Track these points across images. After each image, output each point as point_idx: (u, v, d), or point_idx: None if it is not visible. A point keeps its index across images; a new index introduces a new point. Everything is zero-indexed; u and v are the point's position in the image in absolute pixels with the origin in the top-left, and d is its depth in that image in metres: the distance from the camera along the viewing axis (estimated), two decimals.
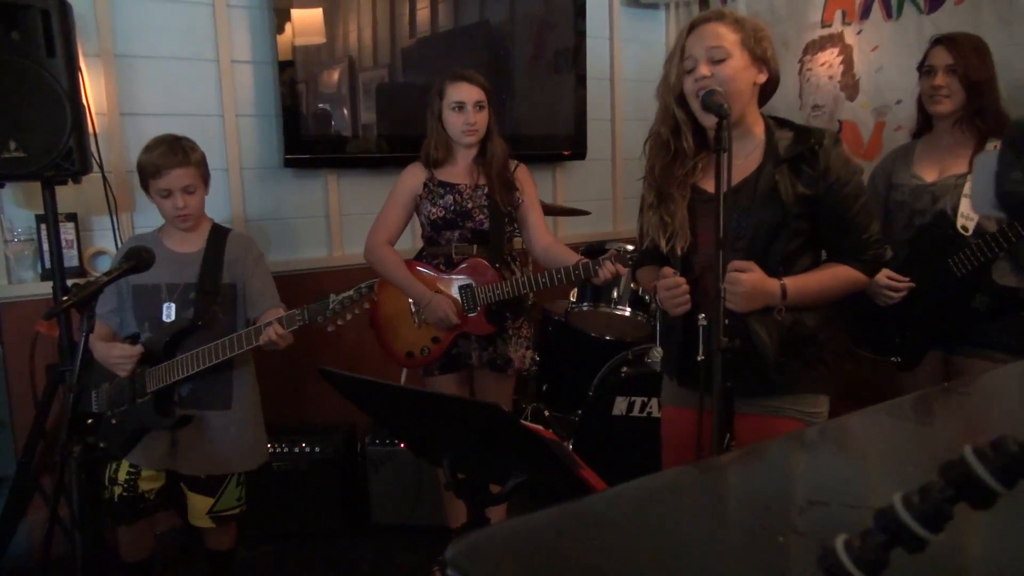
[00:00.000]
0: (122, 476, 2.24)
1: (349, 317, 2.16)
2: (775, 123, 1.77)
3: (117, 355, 2.15)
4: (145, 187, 2.22)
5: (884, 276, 2.32)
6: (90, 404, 2.24)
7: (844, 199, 1.69)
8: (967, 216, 2.22)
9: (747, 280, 1.62)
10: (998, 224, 2.15)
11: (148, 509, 2.28)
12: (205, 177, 2.26)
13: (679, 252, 1.75)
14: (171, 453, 2.23)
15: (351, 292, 2.13)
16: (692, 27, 1.70)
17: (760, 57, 1.70)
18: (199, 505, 2.30)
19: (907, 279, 2.30)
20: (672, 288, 1.71)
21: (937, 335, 2.35)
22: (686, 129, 1.74)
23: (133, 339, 2.22)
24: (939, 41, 2.32)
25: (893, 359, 2.43)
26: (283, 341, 2.13)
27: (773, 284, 1.66)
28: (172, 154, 2.15)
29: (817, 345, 1.75)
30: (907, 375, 2.41)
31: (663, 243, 1.76)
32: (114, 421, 2.20)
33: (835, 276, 1.73)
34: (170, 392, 2.19)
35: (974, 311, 2.24)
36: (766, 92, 1.77)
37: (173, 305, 2.21)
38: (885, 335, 2.43)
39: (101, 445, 2.12)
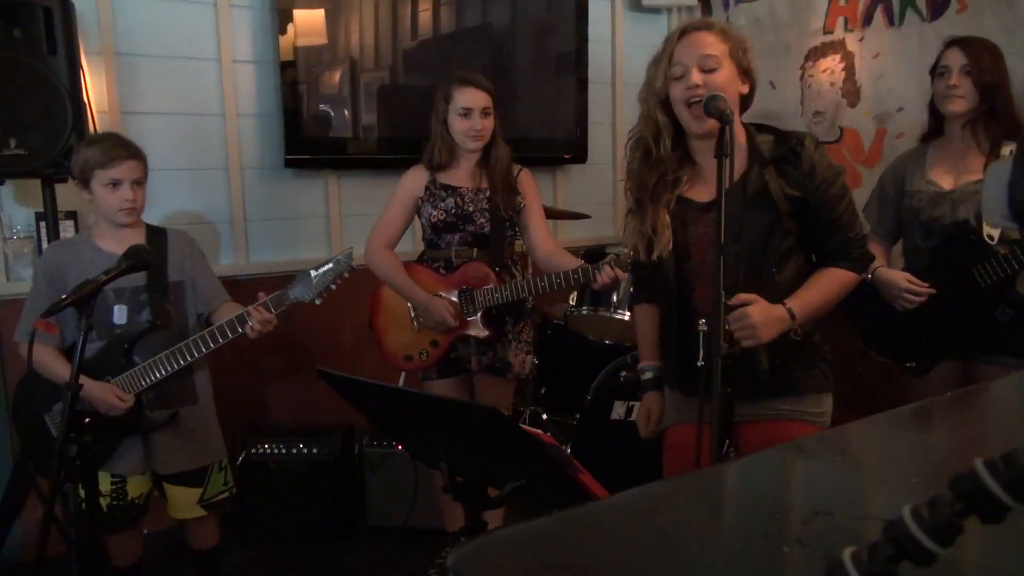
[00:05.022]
0: (106, 487, 2.19)
1: (333, 288, 2.17)
2: (755, 128, 1.79)
3: (112, 399, 2.08)
4: (85, 180, 2.11)
5: (905, 280, 2.31)
6: (46, 429, 2.18)
7: (831, 199, 1.72)
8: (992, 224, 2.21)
9: (754, 312, 1.61)
10: (1022, 232, 2.15)
11: (138, 516, 2.27)
12: (147, 175, 2.21)
13: (665, 257, 1.75)
14: (147, 455, 2.21)
15: (331, 264, 2.14)
16: (682, 34, 1.72)
17: (745, 69, 1.73)
18: (187, 497, 2.29)
19: (927, 284, 2.29)
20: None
21: (954, 342, 2.33)
22: (666, 135, 1.75)
23: (74, 349, 2.12)
24: (954, 43, 2.31)
25: (908, 364, 2.41)
26: (268, 325, 2.12)
27: (780, 310, 1.66)
28: (123, 146, 2.12)
29: (813, 346, 1.78)
30: (919, 381, 2.40)
31: (642, 252, 1.78)
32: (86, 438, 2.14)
33: (831, 283, 1.75)
34: (139, 396, 2.15)
35: (996, 322, 2.22)
36: (746, 103, 1.79)
37: (124, 308, 2.16)
38: (900, 340, 2.42)
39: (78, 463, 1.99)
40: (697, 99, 1.64)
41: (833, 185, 1.72)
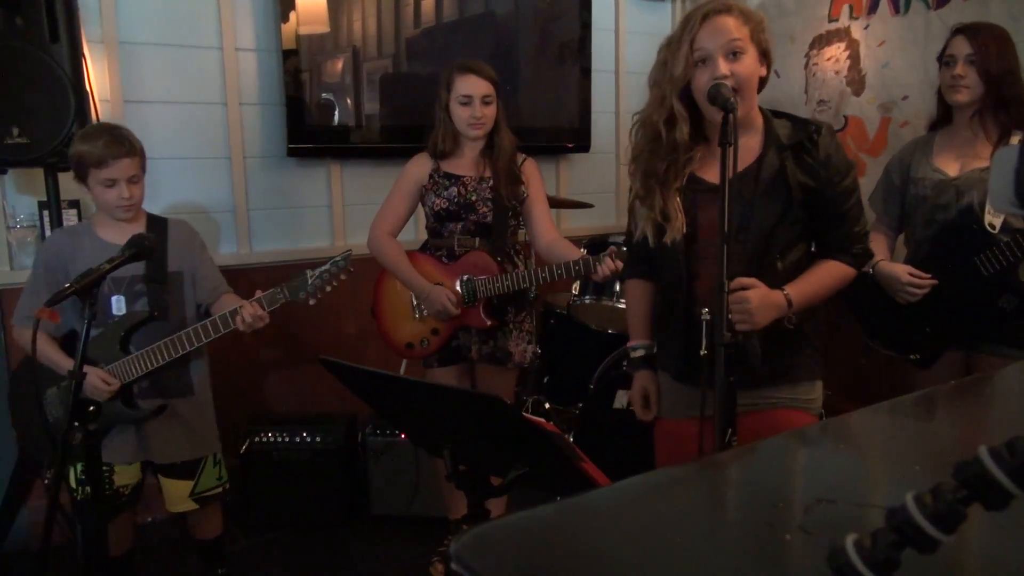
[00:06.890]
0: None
1: (328, 289, 2.17)
2: (771, 114, 1.76)
3: (97, 382, 2.05)
4: (81, 176, 2.11)
5: (906, 273, 2.29)
6: (43, 413, 2.17)
7: (842, 192, 1.71)
8: (994, 213, 2.18)
9: (753, 296, 1.59)
10: None
11: (125, 506, 2.26)
12: (144, 167, 2.19)
13: (677, 241, 1.70)
14: (141, 445, 2.20)
15: (328, 266, 2.15)
16: (705, 18, 1.65)
17: (764, 51, 1.69)
18: (179, 490, 2.29)
19: (930, 276, 2.27)
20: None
21: (958, 333, 2.31)
22: (682, 122, 1.69)
23: (70, 337, 2.16)
24: (960, 30, 2.28)
25: (912, 357, 2.39)
26: (260, 321, 2.11)
27: (778, 296, 1.65)
28: (118, 144, 2.08)
29: (804, 335, 1.76)
30: (924, 373, 2.38)
31: (651, 237, 1.73)
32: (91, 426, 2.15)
33: (830, 275, 1.74)
34: (130, 386, 2.15)
35: (999, 311, 2.20)
36: (763, 84, 1.74)
37: (122, 298, 2.15)
38: (904, 332, 2.40)
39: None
40: None
41: (846, 178, 1.71)
